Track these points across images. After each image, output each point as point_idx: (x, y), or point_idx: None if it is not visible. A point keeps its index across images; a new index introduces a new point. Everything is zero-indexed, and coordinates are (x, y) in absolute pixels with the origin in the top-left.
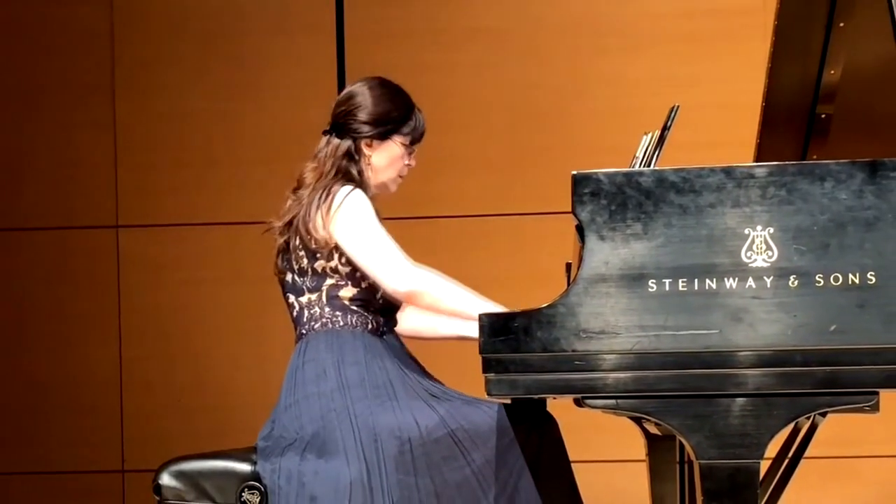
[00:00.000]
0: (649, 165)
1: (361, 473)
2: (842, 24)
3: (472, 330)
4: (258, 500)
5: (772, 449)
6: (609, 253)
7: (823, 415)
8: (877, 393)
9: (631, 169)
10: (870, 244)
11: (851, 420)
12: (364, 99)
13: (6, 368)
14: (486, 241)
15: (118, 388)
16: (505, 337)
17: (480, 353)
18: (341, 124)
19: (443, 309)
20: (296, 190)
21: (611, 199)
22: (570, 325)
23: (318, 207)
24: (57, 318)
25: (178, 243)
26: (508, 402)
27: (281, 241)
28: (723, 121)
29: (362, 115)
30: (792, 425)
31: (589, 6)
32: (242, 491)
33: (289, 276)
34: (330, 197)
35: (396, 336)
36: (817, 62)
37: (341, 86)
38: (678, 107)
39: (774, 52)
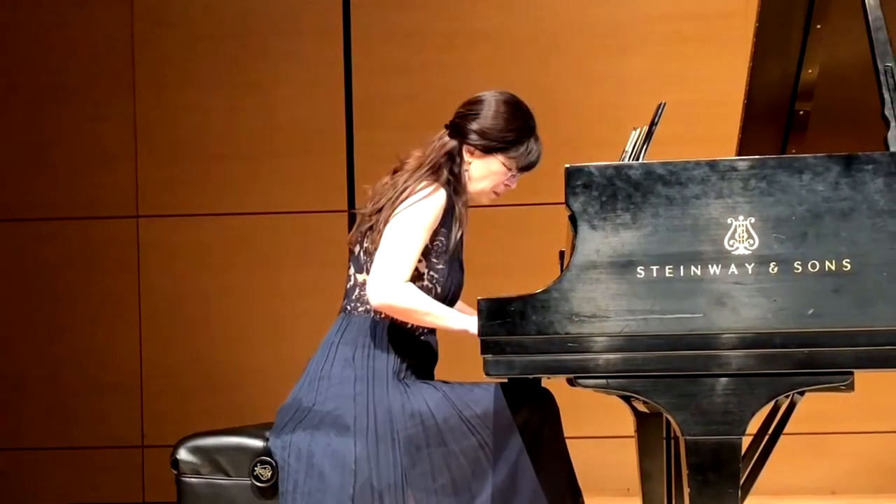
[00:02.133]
0: (638, 159)
1: (368, 449)
2: (819, 27)
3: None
4: (270, 474)
5: (753, 425)
6: (600, 241)
7: (802, 393)
8: (852, 373)
9: (621, 162)
10: (845, 233)
11: (828, 398)
12: (486, 109)
13: (33, 349)
14: (484, 231)
15: (138, 368)
16: (502, 320)
17: (479, 335)
18: (457, 124)
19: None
20: (395, 172)
21: (602, 191)
22: (564, 310)
23: (399, 196)
24: (81, 301)
25: (195, 232)
26: (505, 381)
27: (366, 225)
28: (707, 117)
29: (475, 124)
30: (772, 403)
31: (582, 10)
32: (255, 466)
33: (357, 249)
34: (414, 189)
35: (435, 341)
36: (796, 62)
37: (348, 84)
38: (665, 104)
39: (755, 52)
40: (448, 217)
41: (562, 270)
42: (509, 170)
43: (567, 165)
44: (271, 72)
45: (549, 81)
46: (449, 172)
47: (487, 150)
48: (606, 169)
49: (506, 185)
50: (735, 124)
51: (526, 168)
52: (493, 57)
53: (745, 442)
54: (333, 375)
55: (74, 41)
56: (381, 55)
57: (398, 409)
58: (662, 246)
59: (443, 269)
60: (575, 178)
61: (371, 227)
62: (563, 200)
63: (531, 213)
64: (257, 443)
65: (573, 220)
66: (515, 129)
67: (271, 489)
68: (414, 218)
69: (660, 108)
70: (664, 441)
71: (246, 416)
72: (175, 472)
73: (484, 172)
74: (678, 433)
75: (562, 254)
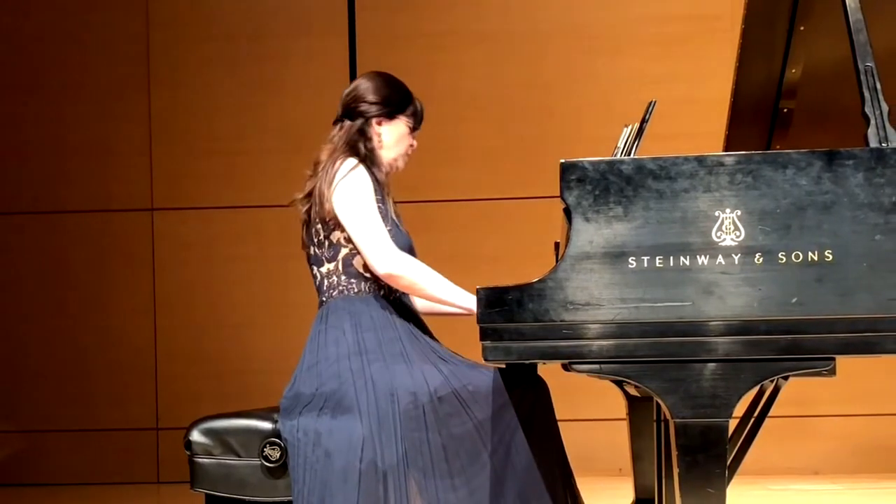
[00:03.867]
0: (629, 155)
1: (372, 429)
2: (802, 28)
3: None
4: (278, 454)
5: (739, 409)
6: (593, 233)
7: (786, 378)
8: (833, 358)
9: (613, 158)
10: (827, 225)
11: (811, 383)
12: (369, 85)
13: (52, 336)
14: (482, 223)
15: (153, 354)
16: (500, 308)
17: (478, 322)
18: (351, 109)
19: (418, 291)
20: (314, 169)
21: (595, 185)
22: (559, 298)
23: (325, 178)
24: (98, 290)
25: (207, 224)
26: (503, 366)
27: (303, 212)
28: (695, 115)
29: (370, 97)
30: (757, 388)
31: (576, 12)
32: (264, 446)
33: (311, 249)
34: (334, 169)
35: (407, 297)
36: (780, 62)
37: None
38: (655, 102)
39: (741, 53)
40: (376, 187)
41: (557, 261)
42: (410, 129)
43: (562, 161)
44: (280, 71)
45: (544, 80)
46: (364, 147)
47: (391, 115)
48: (599, 164)
49: (411, 144)
50: (722, 121)
51: (419, 123)
52: (491, 57)
53: (732, 424)
54: (329, 357)
55: (92, 43)
56: (385, 55)
57: (400, 388)
58: (653, 237)
59: (391, 233)
60: (569, 173)
61: (310, 217)
62: (559, 194)
63: (528, 206)
64: (266, 425)
65: (568, 212)
66: (400, 92)
67: (280, 469)
68: (353, 190)
69: (650, 106)
70: (654, 423)
71: (255, 400)
72: (188, 453)
73: (396, 137)
74: (668, 416)
75: (557, 245)
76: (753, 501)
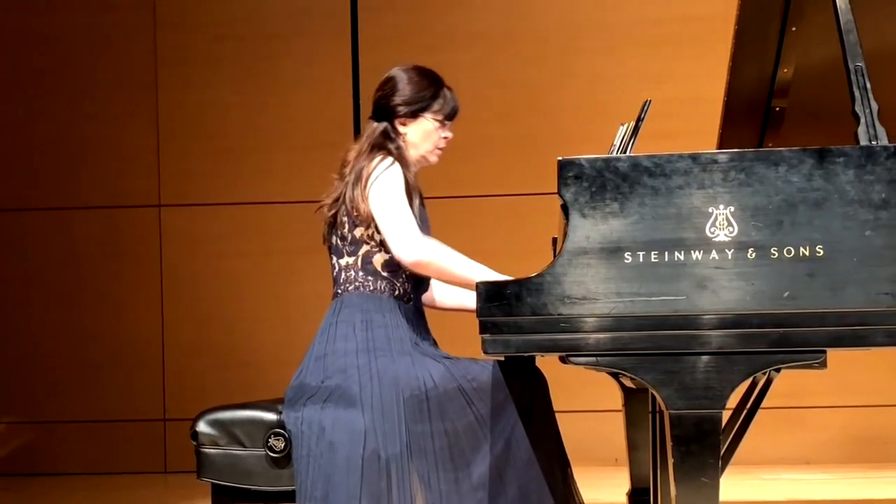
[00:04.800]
0: (625, 152)
1: (375, 421)
2: (794, 29)
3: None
4: (283, 445)
5: (732, 400)
6: (590, 229)
7: (778, 370)
8: (824, 351)
9: (609, 155)
10: (818, 221)
11: (802, 375)
12: (398, 82)
13: (63, 330)
14: (481, 219)
15: (160, 346)
16: (499, 302)
17: (478, 316)
18: (380, 108)
19: (447, 276)
20: (340, 170)
21: (592, 182)
22: (556, 292)
23: (357, 180)
24: (107, 284)
25: (213, 220)
26: (502, 359)
27: (329, 215)
28: (689, 113)
29: (396, 98)
30: (750, 380)
31: (573, 13)
32: (269, 437)
33: (333, 240)
34: (370, 167)
35: (421, 304)
36: (772, 62)
37: (356, 83)
38: (650, 101)
39: (735, 53)
40: (406, 188)
41: (555, 256)
42: (440, 123)
43: (559, 158)
44: (285, 71)
45: (541, 79)
46: (394, 148)
47: (415, 114)
48: (596, 161)
49: (443, 137)
50: (716, 120)
51: (452, 115)
52: (490, 57)
53: (725, 416)
54: (337, 350)
55: (102, 44)
56: (387, 55)
57: (404, 378)
58: (648, 233)
59: None
60: (567, 170)
61: (336, 219)
62: (556, 191)
63: (526, 203)
64: (271, 416)
65: (565, 209)
66: (430, 86)
67: (284, 459)
68: (389, 184)
69: (646, 105)
70: (650, 415)
71: (260, 391)
72: (195, 443)
73: (421, 135)
74: (663, 407)
75: (555, 240)
76: (746, 491)
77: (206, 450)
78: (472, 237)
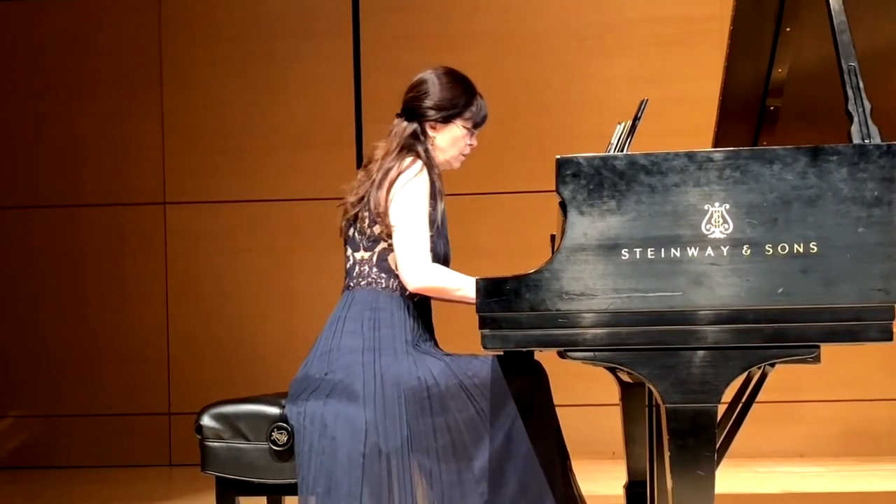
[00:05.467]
0: (622, 151)
1: (377, 415)
2: (788, 29)
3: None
4: (285, 439)
5: (728, 394)
6: (588, 226)
7: (772, 365)
8: (818, 346)
9: (606, 154)
10: (812, 218)
11: (797, 370)
12: (431, 86)
13: (69, 325)
14: (482, 216)
15: (165, 341)
16: (498, 298)
17: (477, 312)
18: (410, 108)
19: (447, 299)
20: (366, 166)
21: (589, 180)
22: (554, 288)
23: (383, 180)
24: (113, 281)
25: (217, 217)
26: (501, 353)
27: (352, 212)
28: (685, 112)
29: (428, 101)
30: (745, 374)
31: (571, 14)
32: (272, 431)
33: (351, 232)
34: (399, 168)
35: (429, 300)
36: (767, 62)
37: (358, 83)
38: (647, 100)
39: (730, 53)
40: (431, 191)
41: (553, 253)
42: (469, 130)
43: (557, 156)
44: (287, 71)
45: (540, 79)
46: (423, 150)
47: (446, 120)
48: (593, 159)
49: (469, 144)
50: (711, 119)
51: (480, 123)
52: (489, 57)
53: (721, 410)
54: (343, 346)
55: (107, 44)
56: (387, 55)
57: (406, 377)
58: (645, 230)
59: (431, 239)
60: (565, 168)
61: (357, 215)
62: (554, 188)
63: (525, 201)
64: (274, 410)
65: (563, 206)
66: (463, 94)
67: (287, 452)
68: (413, 195)
69: (642, 104)
70: (646, 409)
71: (263, 386)
72: (199, 436)
73: (449, 140)
74: (659, 401)
75: (553, 237)
76: (741, 483)
77: (211, 443)
78: (470, 234)
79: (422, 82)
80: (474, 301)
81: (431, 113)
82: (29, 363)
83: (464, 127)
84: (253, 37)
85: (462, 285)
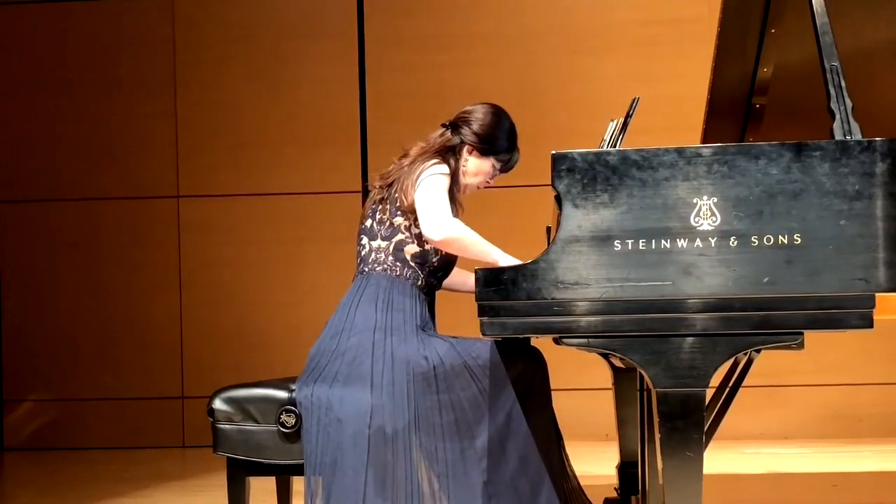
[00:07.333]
0: (615, 146)
1: (383, 398)
2: (773, 31)
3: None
4: (294, 421)
5: (715, 379)
6: (582, 218)
7: (758, 351)
8: (802, 333)
9: (600, 149)
10: (796, 211)
11: (781, 355)
12: (483, 116)
13: (86, 312)
14: (481, 210)
15: (178, 329)
16: (496, 287)
17: (476, 300)
18: (457, 124)
19: (467, 254)
20: (401, 158)
21: (583, 174)
22: (550, 278)
23: (412, 171)
24: (129, 271)
25: (229, 211)
26: (500, 340)
27: (378, 196)
28: (675, 110)
29: (475, 127)
30: (732, 360)
31: (565, 16)
32: (281, 413)
33: (368, 222)
34: (425, 165)
35: (433, 294)
36: (753, 61)
37: (363, 82)
38: (638, 99)
39: (717, 53)
40: (450, 189)
41: (549, 244)
42: (496, 170)
43: (553, 152)
44: (295, 71)
45: (535, 78)
46: (453, 162)
47: (485, 153)
48: (587, 155)
49: (488, 182)
50: (700, 116)
51: (508, 169)
52: (488, 57)
53: (709, 394)
54: (356, 326)
55: (123, 43)
56: (391, 56)
57: (414, 357)
58: (636, 222)
59: None
60: (560, 163)
61: (383, 199)
62: (550, 182)
63: (522, 194)
64: (282, 394)
65: (558, 199)
66: (507, 140)
67: (295, 434)
68: (436, 180)
69: (634, 102)
70: (638, 393)
71: (272, 371)
72: (211, 419)
73: (477, 170)
74: (650, 386)
75: (549, 229)
76: (728, 464)
77: (222, 426)
78: (470, 226)
79: (476, 110)
80: (491, 257)
81: (473, 139)
82: (48, 349)
83: (494, 167)
84: (262, 38)
85: (480, 240)
